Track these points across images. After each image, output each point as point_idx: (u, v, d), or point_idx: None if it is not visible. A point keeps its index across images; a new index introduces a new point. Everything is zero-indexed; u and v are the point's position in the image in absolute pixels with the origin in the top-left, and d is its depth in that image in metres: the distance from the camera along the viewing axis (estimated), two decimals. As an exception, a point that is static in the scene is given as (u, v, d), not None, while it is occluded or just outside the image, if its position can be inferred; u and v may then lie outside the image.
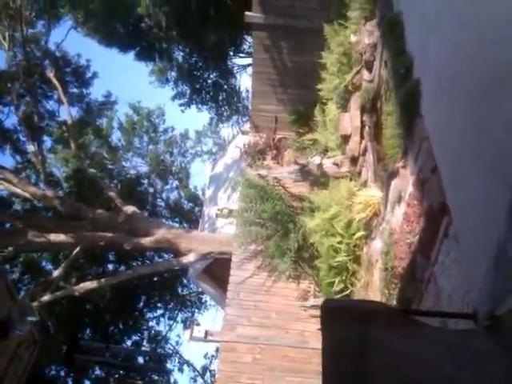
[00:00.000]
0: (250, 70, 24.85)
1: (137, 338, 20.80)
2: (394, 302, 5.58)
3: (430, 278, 4.52)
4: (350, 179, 7.86)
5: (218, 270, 13.21)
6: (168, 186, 23.50)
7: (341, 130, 8.06)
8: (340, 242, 7.48)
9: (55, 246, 14.14)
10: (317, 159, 7.99)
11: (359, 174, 7.84)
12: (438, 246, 4.30)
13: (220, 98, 23.30)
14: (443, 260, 4.22)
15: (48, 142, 18.05)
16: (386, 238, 5.93)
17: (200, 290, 20.76)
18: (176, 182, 23.72)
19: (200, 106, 22.73)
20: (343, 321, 1.68)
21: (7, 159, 17.96)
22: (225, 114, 24.53)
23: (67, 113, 15.55)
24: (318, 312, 8.36)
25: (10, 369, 3.67)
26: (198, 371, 22.24)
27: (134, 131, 22.38)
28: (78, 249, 13.57)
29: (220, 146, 25.84)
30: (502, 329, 1.76)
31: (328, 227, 7.62)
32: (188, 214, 22.99)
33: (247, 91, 25.10)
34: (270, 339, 8.48)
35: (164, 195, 23.41)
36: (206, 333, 8.50)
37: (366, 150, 7.64)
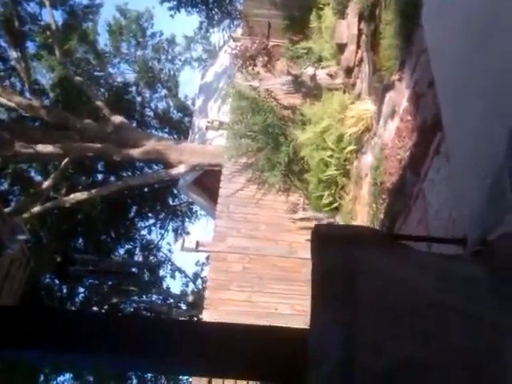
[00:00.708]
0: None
1: (129, 246, 21.30)
2: (382, 216, 5.66)
3: (419, 194, 4.53)
4: (344, 91, 7.65)
5: (208, 181, 13.26)
6: (156, 95, 22.94)
7: (336, 37, 7.71)
8: (330, 156, 7.44)
9: (43, 157, 14.01)
10: (310, 70, 7.70)
11: (353, 85, 7.61)
12: (429, 163, 4.26)
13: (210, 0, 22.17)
14: (433, 177, 4.20)
15: (31, 47, 17.25)
16: (376, 153, 5.88)
17: (190, 200, 21.02)
18: (165, 91, 23.12)
19: (190, 8, 21.63)
20: (334, 245, 1.66)
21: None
22: (216, 17, 23.41)
23: (50, 16, 14.74)
24: (306, 224, 8.53)
25: (4, 287, 3.74)
26: (189, 277, 23.12)
27: (122, 36, 21.39)
28: (66, 159, 13.48)
29: (210, 52, 24.91)
30: (491, 255, 1.75)
31: (319, 141, 7.53)
32: (177, 125, 22.64)
33: (238, -7, 23.85)
34: (260, 249, 8.68)
35: (152, 104, 22.92)
36: (197, 243, 8.67)
37: (361, 60, 7.36)
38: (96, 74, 20.26)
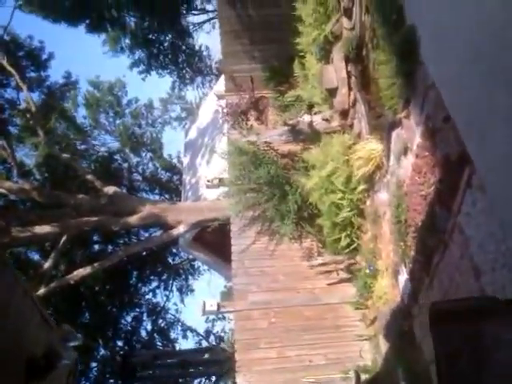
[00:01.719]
0: (206, 27, 24.12)
1: (135, 313, 20.88)
2: (412, 253, 5.60)
3: (454, 229, 4.50)
4: (342, 133, 7.72)
5: (208, 236, 13.16)
6: (142, 159, 23.05)
7: (325, 83, 7.83)
8: (342, 198, 7.42)
9: (41, 238, 13.78)
10: (306, 117, 7.79)
11: (351, 126, 7.69)
12: (461, 197, 4.24)
13: (180, 59, 22.66)
14: (468, 211, 4.18)
15: (12, 131, 17.27)
16: (393, 191, 5.87)
17: (191, 257, 20.78)
18: (150, 154, 23.25)
19: (160, 71, 22.08)
20: (454, 323, 1.59)
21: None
22: (187, 76, 23.91)
23: (28, 99, 14.85)
24: (325, 268, 8.43)
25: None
26: (201, 335, 22.60)
27: (99, 107, 21.63)
28: (64, 237, 13.31)
29: (188, 110, 25.28)
30: None
31: (327, 185, 7.53)
32: (167, 184, 22.71)
33: (207, 49, 24.46)
34: (282, 301, 8.52)
35: (140, 169, 22.98)
36: (219, 305, 8.48)
37: (355, 101, 7.47)
38: (79, 147, 20.33)
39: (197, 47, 23.38)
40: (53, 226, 12.25)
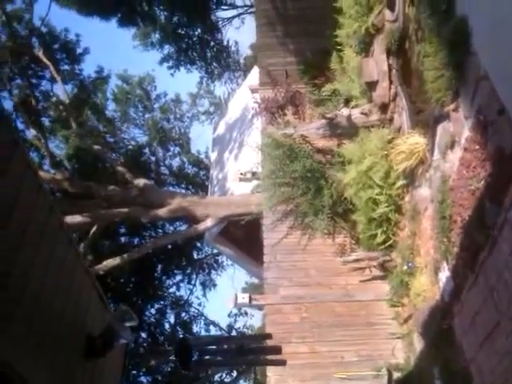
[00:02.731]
0: (235, 22, 24.12)
1: (160, 305, 21.03)
2: (456, 250, 5.48)
3: (504, 224, 4.37)
4: (381, 127, 7.61)
5: (234, 231, 13.16)
6: (170, 153, 23.18)
7: (365, 76, 7.73)
8: (379, 194, 7.32)
9: (72, 228, 13.97)
10: (345, 111, 7.69)
11: (390, 120, 7.58)
12: (515, 191, 4.12)
13: (208, 55, 22.71)
14: (522, 205, 4.06)
15: (45, 122, 17.53)
16: (438, 186, 5.75)
17: (215, 251, 20.84)
18: (177, 148, 23.37)
19: (189, 66, 22.17)
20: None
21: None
22: (215, 71, 23.97)
23: (62, 91, 15.05)
24: (358, 265, 8.33)
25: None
26: (224, 330, 22.65)
27: (129, 102, 21.82)
28: (95, 228, 13.46)
29: (216, 105, 25.33)
30: None
31: (364, 180, 7.44)
32: (193, 179, 22.79)
33: (236, 44, 24.49)
34: (315, 297, 8.45)
35: (167, 163, 23.12)
36: (250, 298, 8.46)
37: (396, 95, 7.36)
38: (109, 140, 20.54)
39: (225, 42, 23.40)
40: (84, 216, 12.41)
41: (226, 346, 6.16)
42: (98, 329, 3.18)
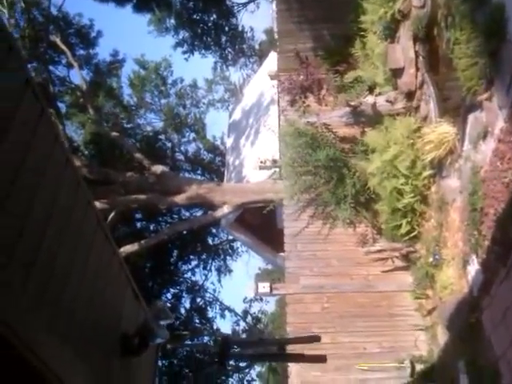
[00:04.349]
0: (250, 7, 23.83)
1: (175, 290, 21.15)
2: (487, 243, 5.34)
3: (542, 218, 4.23)
4: (407, 115, 7.43)
5: (250, 218, 13.12)
6: (185, 139, 23.09)
7: (390, 63, 7.53)
8: (405, 183, 7.17)
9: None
10: (370, 98, 7.52)
11: (416, 109, 7.40)
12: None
13: (223, 40, 22.49)
14: None
15: (61, 108, 17.52)
16: (468, 177, 5.60)
17: (231, 238, 20.85)
18: (193, 134, 23.26)
19: (203, 51, 21.96)
20: None
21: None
22: (229, 56, 23.73)
23: (79, 76, 15.01)
24: (380, 255, 8.22)
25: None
26: (239, 315, 22.74)
27: (144, 87, 21.71)
28: (112, 214, 13.51)
29: (232, 92, 25.11)
30: None
31: (389, 169, 7.29)
32: (209, 165, 22.70)
33: (251, 30, 24.19)
34: (336, 287, 8.38)
35: (182, 148, 23.05)
36: (271, 287, 8.41)
37: (423, 82, 7.17)
38: (125, 126, 20.51)
39: (240, 28, 23.13)
40: (102, 202, 12.45)
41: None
42: (132, 327, 3.12)
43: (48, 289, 2.26)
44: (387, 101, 7.57)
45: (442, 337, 7.04)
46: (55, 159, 2.69)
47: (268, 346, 6.11)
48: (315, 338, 5.73)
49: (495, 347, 5.43)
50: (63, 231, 2.53)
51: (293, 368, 7.81)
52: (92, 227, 2.99)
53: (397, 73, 7.53)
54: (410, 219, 7.40)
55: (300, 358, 6.23)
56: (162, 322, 3.52)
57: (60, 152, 2.75)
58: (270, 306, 22.90)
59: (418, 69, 7.20)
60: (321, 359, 5.92)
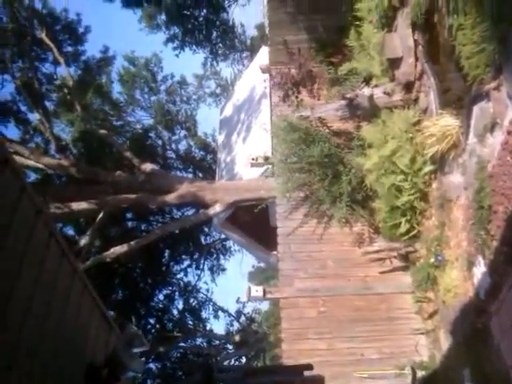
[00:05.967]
0: (240, 1, 23.43)
1: (168, 291, 20.78)
2: (495, 243, 4.96)
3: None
4: (406, 108, 7.03)
5: (242, 216, 12.76)
6: (176, 137, 22.65)
7: (388, 52, 7.13)
8: (404, 180, 6.78)
9: (79, 215, 13.67)
10: (367, 90, 7.11)
11: (415, 101, 7.00)
12: None
13: (214, 35, 22.10)
14: None
15: (49, 106, 17.03)
16: (474, 173, 5.21)
17: (223, 237, 20.48)
18: (184, 132, 22.83)
19: (194, 47, 21.54)
20: None
21: (10, 131, 17.07)
22: (220, 52, 23.35)
23: (66, 74, 14.54)
24: (378, 255, 7.83)
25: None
26: (233, 316, 22.39)
27: (134, 83, 21.25)
28: (101, 214, 13.12)
29: (223, 87, 24.68)
30: None
31: (387, 165, 6.90)
32: (200, 163, 22.30)
33: (242, 26, 23.78)
34: (332, 289, 7.97)
35: (173, 146, 22.61)
36: (264, 291, 7.99)
37: (422, 72, 6.77)
38: (114, 124, 20.06)
39: (231, 23, 22.75)
40: (90, 202, 12.09)
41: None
42: (102, 356, 2.66)
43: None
44: (384, 93, 7.17)
45: (445, 342, 6.66)
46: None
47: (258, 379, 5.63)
48: (307, 367, 5.31)
49: (505, 355, 5.05)
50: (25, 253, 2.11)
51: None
52: (44, 241, 2.54)
53: (394, 63, 7.13)
54: (409, 218, 7.01)
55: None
56: (135, 350, 2.99)
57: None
58: (264, 304, 22.58)
59: (417, 58, 6.81)
60: (307, 368, 5.52)
